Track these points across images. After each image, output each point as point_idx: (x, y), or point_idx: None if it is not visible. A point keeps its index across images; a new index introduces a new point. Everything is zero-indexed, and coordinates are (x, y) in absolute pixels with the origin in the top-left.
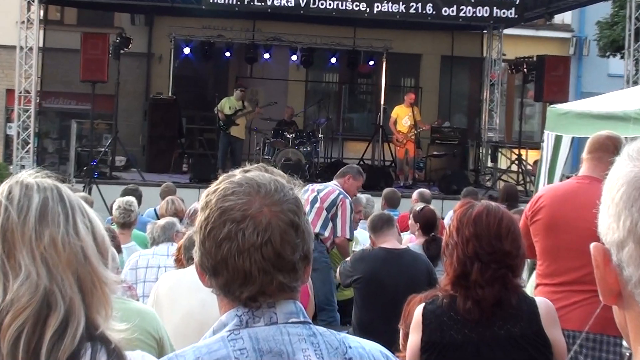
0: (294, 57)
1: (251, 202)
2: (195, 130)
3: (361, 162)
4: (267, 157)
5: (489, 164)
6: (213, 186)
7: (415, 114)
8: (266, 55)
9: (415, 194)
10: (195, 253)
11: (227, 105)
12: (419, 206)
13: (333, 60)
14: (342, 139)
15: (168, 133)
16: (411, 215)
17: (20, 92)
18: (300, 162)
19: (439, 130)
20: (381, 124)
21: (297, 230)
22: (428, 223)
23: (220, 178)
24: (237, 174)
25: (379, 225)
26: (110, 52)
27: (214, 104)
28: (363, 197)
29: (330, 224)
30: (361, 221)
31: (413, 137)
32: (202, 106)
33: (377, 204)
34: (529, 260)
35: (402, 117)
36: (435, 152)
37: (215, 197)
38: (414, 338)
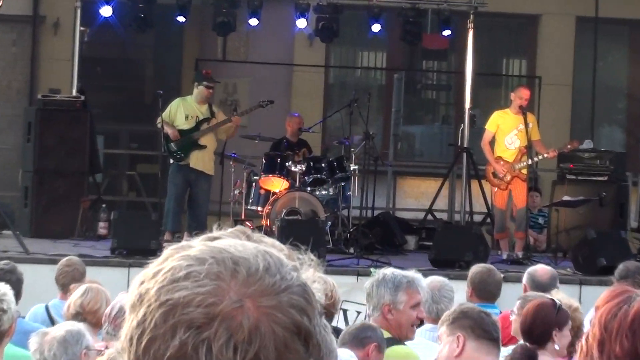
0: (302, 23)
1: (222, 291)
2: (121, 159)
3: (430, 216)
4: (254, 207)
5: None
6: (154, 265)
7: (530, 127)
8: (252, 21)
9: (528, 276)
10: None
11: (180, 112)
12: (536, 299)
13: (376, 27)
14: (393, 172)
15: (71, 164)
16: (519, 318)
17: None
18: (317, 217)
19: (573, 158)
20: (466, 146)
21: (308, 342)
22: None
23: (167, 251)
24: (197, 243)
25: (475, 330)
26: None
27: (157, 110)
28: (427, 281)
29: None
30: (427, 326)
31: (525, 170)
32: (134, 114)
33: (458, 294)
34: None
35: (507, 132)
36: (566, 197)
37: (157, 284)
38: None
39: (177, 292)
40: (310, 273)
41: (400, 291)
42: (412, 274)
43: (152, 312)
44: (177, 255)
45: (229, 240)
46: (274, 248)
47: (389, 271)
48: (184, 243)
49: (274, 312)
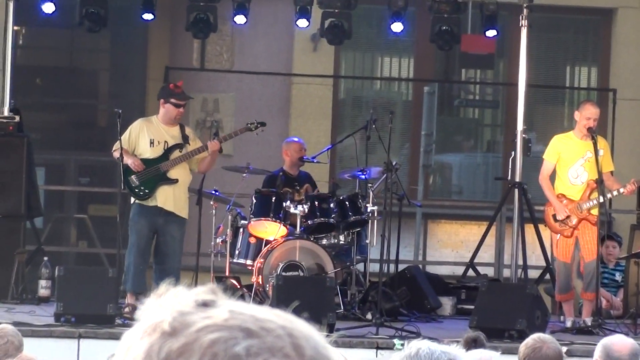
0: (303, 23)
1: None
2: (67, 198)
3: (472, 272)
4: (241, 260)
5: None
6: (157, 336)
7: (601, 155)
8: (239, 19)
9: (603, 349)
10: None
11: (144, 136)
12: None
13: (397, 27)
14: (423, 215)
15: (2, 206)
16: None
17: None
18: (324, 273)
19: None
20: (518, 180)
21: None
22: None
23: (166, 316)
24: (194, 308)
25: None
26: None
27: (114, 135)
28: (470, 357)
29: None
30: None
31: (595, 211)
32: (85, 140)
33: None
34: None
35: (571, 162)
36: None
37: None
38: None
39: None
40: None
41: None
42: (455, 351)
43: None
44: (200, 324)
45: (239, 305)
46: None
47: (424, 345)
48: (178, 308)
49: None
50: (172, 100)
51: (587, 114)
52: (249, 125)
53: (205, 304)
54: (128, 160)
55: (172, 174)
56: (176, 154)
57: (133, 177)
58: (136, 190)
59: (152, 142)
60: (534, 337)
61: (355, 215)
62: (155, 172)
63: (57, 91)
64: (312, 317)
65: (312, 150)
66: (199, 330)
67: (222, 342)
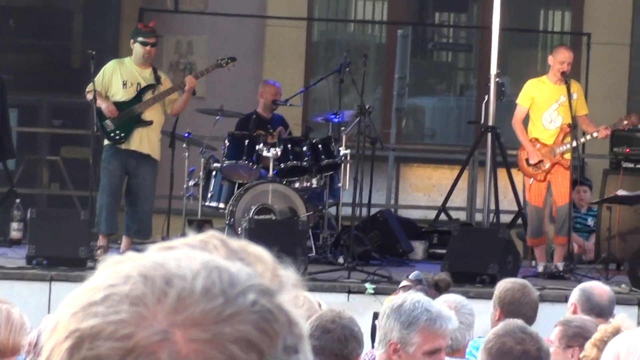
0: None
1: (143, 320)
2: (40, 140)
3: (444, 216)
4: (213, 203)
5: None
6: (85, 282)
7: (574, 99)
8: None
9: (582, 293)
10: None
11: (116, 77)
12: (584, 323)
13: None
14: (396, 159)
15: None
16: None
17: None
18: (296, 216)
19: (631, 139)
20: (491, 124)
21: None
22: None
23: (103, 264)
24: (141, 254)
25: None
26: None
27: (87, 76)
28: (439, 301)
29: None
30: None
31: (568, 155)
32: (58, 81)
33: (479, 318)
34: None
35: (545, 106)
36: (621, 192)
37: (72, 308)
38: None
39: (87, 320)
40: (292, 294)
41: (414, 330)
42: (440, 309)
43: (59, 346)
44: (107, 271)
45: (179, 252)
46: (257, 260)
47: (411, 299)
48: (130, 254)
49: (206, 348)
50: (140, 39)
51: (560, 58)
52: (219, 61)
53: (167, 248)
54: (102, 105)
55: (147, 115)
56: (149, 95)
57: (108, 121)
58: (112, 134)
59: (125, 84)
60: (510, 281)
61: (328, 158)
62: (129, 115)
63: (30, 32)
64: (283, 261)
65: (285, 93)
66: (100, 277)
67: (95, 289)
